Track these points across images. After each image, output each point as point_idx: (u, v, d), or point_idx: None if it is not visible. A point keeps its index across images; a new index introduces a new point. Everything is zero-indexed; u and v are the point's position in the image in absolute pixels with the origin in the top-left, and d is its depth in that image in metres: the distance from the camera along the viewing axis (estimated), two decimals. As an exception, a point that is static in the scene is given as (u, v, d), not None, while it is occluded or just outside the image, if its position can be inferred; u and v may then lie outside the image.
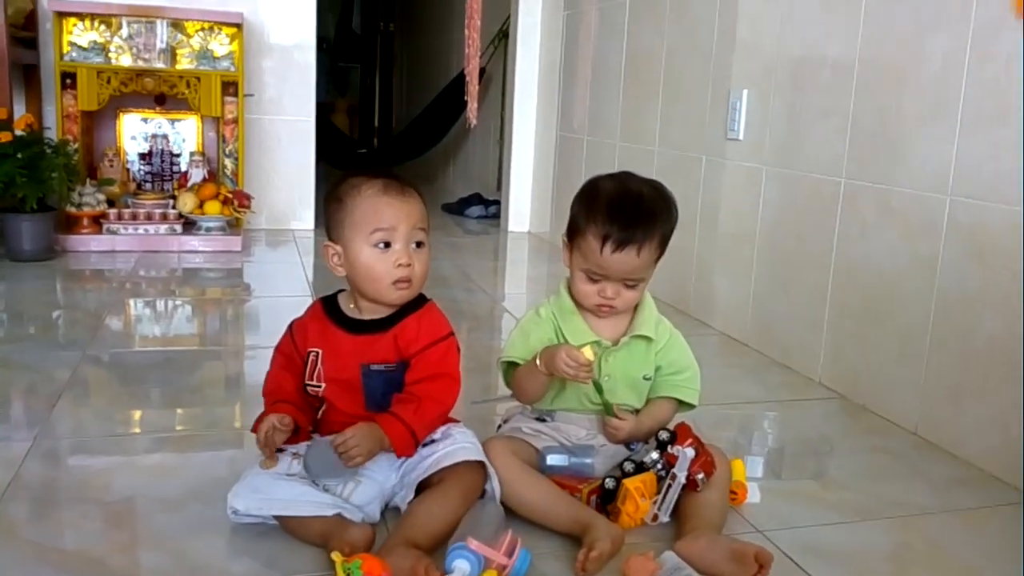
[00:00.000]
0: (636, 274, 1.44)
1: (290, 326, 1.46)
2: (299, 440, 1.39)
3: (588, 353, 1.37)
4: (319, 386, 1.40)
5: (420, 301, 1.42)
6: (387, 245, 1.35)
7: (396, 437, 1.32)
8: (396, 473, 1.38)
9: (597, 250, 1.40)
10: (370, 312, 1.41)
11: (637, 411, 1.52)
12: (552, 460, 1.43)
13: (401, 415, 1.33)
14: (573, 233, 1.46)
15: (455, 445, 1.36)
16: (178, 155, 3.87)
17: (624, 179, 1.48)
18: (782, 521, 1.45)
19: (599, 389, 1.45)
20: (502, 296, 3.39)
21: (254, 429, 1.38)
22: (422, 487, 1.34)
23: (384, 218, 1.35)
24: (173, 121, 3.86)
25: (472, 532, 1.21)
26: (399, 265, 1.35)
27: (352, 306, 1.42)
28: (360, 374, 1.37)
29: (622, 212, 1.40)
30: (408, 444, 1.33)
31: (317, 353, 1.40)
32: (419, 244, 1.38)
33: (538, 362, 1.41)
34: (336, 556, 1.14)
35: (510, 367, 1.51)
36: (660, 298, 1.57)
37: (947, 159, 1.82)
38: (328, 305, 1.44)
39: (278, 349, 1.46)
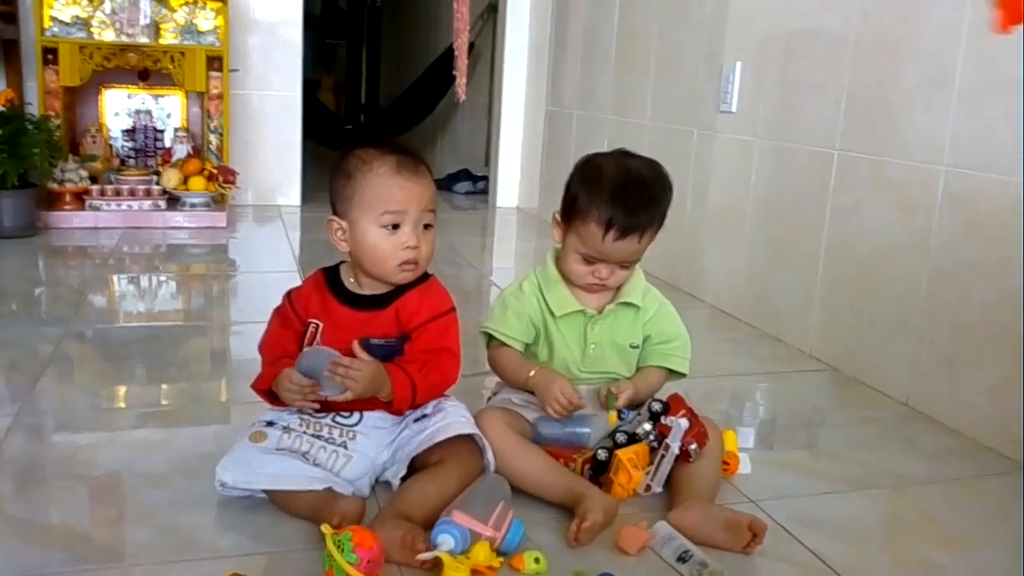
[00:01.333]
0: (634, 257, 1.44)
1: (288, 294, 1.43)
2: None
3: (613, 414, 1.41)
4: None
5: (422, 276, 1.40)
6: (395, 227, 1.32)
7: (399, 386, 1.31)
8: (388, 449, 1.36)
9: (598, 236, 1.38)
10: (371, 287, 1.38)
11: (627, 379, 1.50)
12: (546, 430, 1.41)
13: (407, 369, 1.32)
14: (570, 214, 1.43)
15: (448, 419, 1.34)
16: (162, 131, 3.82)
17: (623, 161, 1.45)
18: (774, 491, 1.45)
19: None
20: (490, 271, 3.37)
21: (256, 386, 1.37)
22: (415, 463, 1.32)
23: (395, 200, 1.31)
24: (157, 97, 3.81)
25: (465, 506, 1.19)
26: (407, 248, 1.33)
27: (352, 280, 1.40)
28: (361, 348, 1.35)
29: (626, 199, 1.38)
30: (407, 397, 1.32)
31: (317, 325, 1.38)
32: (427, 226, 1.35)
33: (530, 375, 1.43)
34: (326, 528, 1.12)
35: (490, 336, 1.51)
36: (650, 272, 1.56)
37: (943, 130, 1.81)
38: (330, 277, 1.41)
39: (276, 312, 1.44)
